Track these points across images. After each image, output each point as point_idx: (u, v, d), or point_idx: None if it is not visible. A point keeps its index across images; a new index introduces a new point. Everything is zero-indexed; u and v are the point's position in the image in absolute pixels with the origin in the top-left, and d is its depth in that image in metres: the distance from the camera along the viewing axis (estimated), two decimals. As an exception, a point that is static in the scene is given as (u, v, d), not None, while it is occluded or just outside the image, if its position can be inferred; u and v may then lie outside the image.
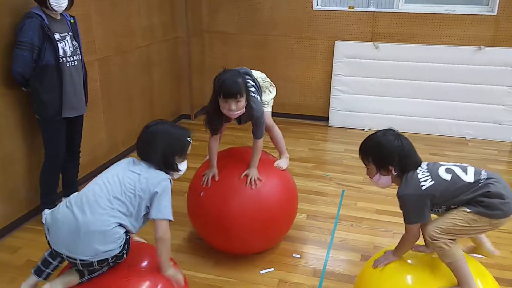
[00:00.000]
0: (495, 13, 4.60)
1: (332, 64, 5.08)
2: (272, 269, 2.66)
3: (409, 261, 1.98)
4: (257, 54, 5.31)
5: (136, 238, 2.16)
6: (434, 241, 1.80)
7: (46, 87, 2.76)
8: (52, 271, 1.97)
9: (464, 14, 4.67)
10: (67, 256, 1.73)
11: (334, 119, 5.21)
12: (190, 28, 5.05)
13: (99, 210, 1.73)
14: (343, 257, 2.79)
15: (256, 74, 2.82)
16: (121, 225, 1.77)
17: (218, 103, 2.40)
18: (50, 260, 1.94)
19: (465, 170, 1.87)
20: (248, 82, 2.56)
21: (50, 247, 1.80)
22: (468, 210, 1.80)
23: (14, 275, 2.57)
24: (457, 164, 1.94)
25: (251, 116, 2.51)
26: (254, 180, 2.51)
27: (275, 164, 2.74)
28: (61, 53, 2.77)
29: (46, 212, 2.97)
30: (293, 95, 5.34)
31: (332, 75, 5.10)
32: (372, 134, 2.00)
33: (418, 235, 1.88)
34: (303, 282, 2.55)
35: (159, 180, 1.84)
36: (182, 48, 5.11)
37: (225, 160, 2.68)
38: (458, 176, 1.84)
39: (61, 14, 2.81)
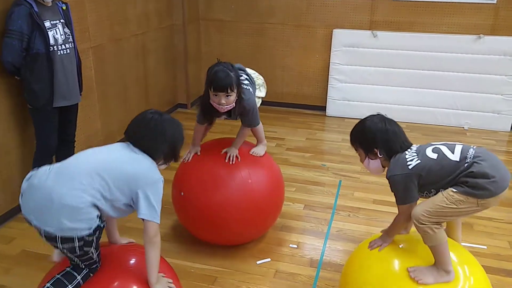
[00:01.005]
0: (494, 2, 4.55)
1: (330, 53, 5.03)
2: (269, 259, 2.64)
3: (400, 246, 1.99)
4: (254, 43, 5.26)
5: (124, 241, 2.06)
6: (421, 225, 1.81)
7: (37, 76, 2.70)
8: None
9: (463, 3, 4.62)
10: (34, 225, 1.65)
11: (332, 108, 5.18)
12: (186, 16, 4.99)
13: (77, 185, 1.63)
14: (340, 247, 2.78)
15: (249, 71, 2.79)
16: (96, 207, 1.66)
17: (209, 95, 2.37)
18: None
19: (452, 149, 1.88)
20: (241, 76, 2.53)
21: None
22: (454, 190, 1.79)
23: (9, 266, 2.55)
24: (447, 143, 1.94)
25: (242, 109, 2.48)
26: (232, 157, 2.51)
27: (251, 151, 2.67)
28: (51, 41, 2.71)
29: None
30: (290, 84, 5.30)
31: (330, 64, 5.05)
32: (359, 121, 2.04)
33: (409, 217, 1.89)
34: (300, 273, 2.54)
35: (154, 179, 1.75)
36: (178, 36, 5.05)
37: (211, 150, 2.65)
38: (444, 155, 1.86)
39: (52, 1, 2.75)
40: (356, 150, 2.07)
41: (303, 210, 3.17)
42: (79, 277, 1.71)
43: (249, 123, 2.60)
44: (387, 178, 1.93)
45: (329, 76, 5.09)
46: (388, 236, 2.01)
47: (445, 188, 1.84)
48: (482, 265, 2.59)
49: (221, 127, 4.12)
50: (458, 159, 1.83)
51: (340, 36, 4.94)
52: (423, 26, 4.76)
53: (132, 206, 1.74)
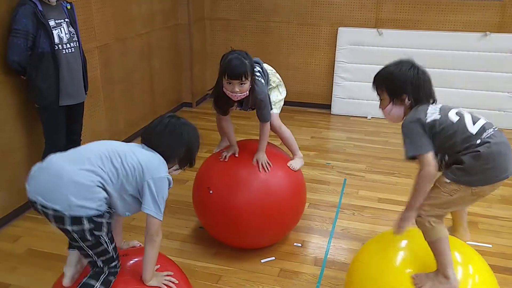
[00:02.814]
0: (501, -1, 4.52)
1: (335, 51, 5.02)
2: (273, 258, 2.65)
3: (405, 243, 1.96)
4: (259, 41, 5.26)
5: (126, 246, 2.06)
6: (419, 218, 1.80)
7: (43, 75, 2.73)
8: None
9: (470, 0, 4.59)
10: (41, 206, 1.62)
11: (337, 107, 5.16)
12: (191, 15, 4.99)
13: (88, 165, 1.64)
14: (344, 246, 2.78)
15: (266, 67, 2.76)
16: (105, 190, 1.66)
17: (222, 83, 2.33)
18: None
19: (475, 120, 1.80)
20: (255, 67, 2.52)
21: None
22: (448, 181, 1.77)
23: (14, 264, 2.57)
24: (472, 113, 1.86)
25: (254, 99, 2.44)
26: (264, 165, 2.48)
27: (289, 163, 2.64)
28: (56, 40, 2.73)
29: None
30: (295, 83, 5.29)
31: (335, 62, 5.04)
32: (387, 64, 1.95)
33: (434, 169, 1.74)
34: (304, 271, 2.54)
35: (162, 175, 1.74)
36: (183, 35, 5.06)
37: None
38: (464, 122, 1.78)
39: (57, 0, 2.77)
40: (378, 94, 1.97)
41: (308, 209, 3.17)
42: (98, 284, 1.67)
43: (264, 117, 2.53)
44: (402, 125, 1.86)
45: (334, 74, 5.08)
46: (411, 210, 1.86)
47: (448, 154, 1.79)
48: (488, 264, 2.58)
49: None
50: (474, 132, 1.76)
51: (345, 34, 4.92)
52: (429, 23, 4.74)
53: (138, 202, 1.73)
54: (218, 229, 2.63)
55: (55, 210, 1.59)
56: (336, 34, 4.97)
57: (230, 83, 2.30)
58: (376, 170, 3.74)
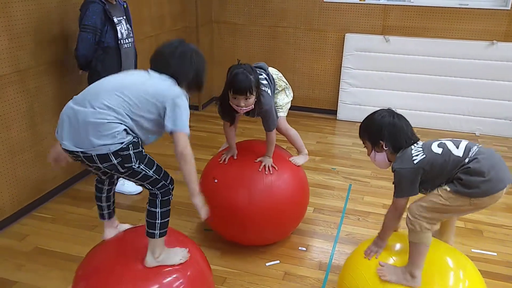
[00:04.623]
0: (508, 8, 4.52)
1: (341, 57, 5.04)
2: (278, 261, 2.66)
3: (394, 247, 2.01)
4: (266, 46, 5.28)
5: (126, 225, 2.17)
6: (413, 218, 1.83)
7: (107, 67, 2.88)
8: (107, 200, 2.03)
9: (477, 8, 4.61)
10: (71, 152, 1.70)
11: (343, 112, 5.18)
12: (199, 18, 5.03)
13: (98, 104, 1.69)
14: (349, 251, 2.78)
15: (272, 71, 2.79)
16: (121, 122, 1.70)
17: (228, 95, 2.39)
18: (99, 185, 2.01)
19: (457, 144, 1.89)
20: (261, 75, 2.54)
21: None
22: (448, 189, 1.81)
23: (21, 262, 2.59)
24: (453, 139, 1.95)
25: (260, 109, 2.49)
26: (269, 167, 2.53)
27: (291, 158, 2.73)
28: (119, 36, 2.94)
29: None
30: (301, 88, 5.31)
31: (342, 68, 5.06)
32: (368, 115, 2.08)
33: (403, 210, 1.91)
34: (309, 275, 2.55)
35: (177, 92, 1.76)
36: (190, 38, 5.09)
37: (239, 152, 2.68)
38: (449, 149, 1.86)
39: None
40: (363, 143, 2.09)
41: (313, 213, 3.18)
42: (158, 209, 1.79)
43: (269, 127, 2.58)
44: (392, 171, 1.93)
45: (341, 80, 5.10)
46: (381, 240, 2.01)
47: (443, 184, 1.84)
48: (492, 272, 2.59)
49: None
50: (461, 155, 1.83)
51: (352, 40, 4.94)
52: (436, 31, 4.75)
53: (160, 125, 1.76)
54: (223, 226, 2.66)
55: (83, 153, 1.68)
56: (343, 40, 4.99)
57: (235, 98, 2.34)
58: (381, 177, 3.74)
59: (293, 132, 2.88)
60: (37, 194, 3.14)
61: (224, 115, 2.60)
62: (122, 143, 1.68)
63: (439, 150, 1.87)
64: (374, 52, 4.89)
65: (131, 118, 1.72)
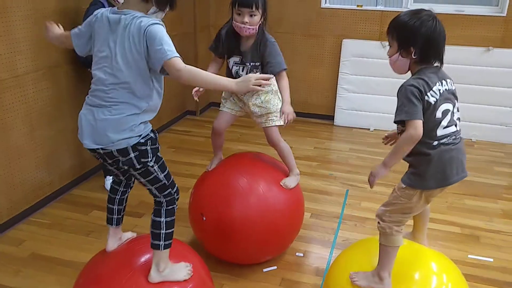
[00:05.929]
0: (504, 14, 4.57)
1: (339, 63, 5.07)
2: (275, 267, 2.65)
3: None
4: (264, 51, 5.29)
5: (128, 234, 2.13)
6: (382, 223, 1.88)
7: None
8: (120, 203, 2.02)
9: (473, 15, 4.64)
10: (91, 150, 1.73)
11: (340, 118, 5.20)
12: (197, 23, 5.05)
13: (106, 97, 1.69)
14: (346, 256, 2.79)
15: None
16: (135, 114, 1.69)
17: (232, 17, 2.29)
18: (115, 186, 2.01)
19: (449, 125, 1.77)
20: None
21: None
22: (404, 186, 1.84)
23: (18, 267, 2.58)
24: (456, 113, 1.83)
25: (264, 46, 2.33)
26: (292, 117, 2.32)
27: (282, 182, 2.50)
28: None
29: (108, 178, 3.41)
30: (299, 93, 5.32)
31: (339, 73, 5.08)
32: (406, 11, 1.83)
33: (417, 134, 1.69)
34: (306, 281, 2.55)
35: (151, 23, 1.71)
36: (188, 43, 5.10)
37: (229, 165, 2.61)
38: (440, 122, 1.76)
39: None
40: (389, 42, 1.86)
41: (310, 219, 3.19)
42: (162, 218, 1.81)
43: (279, 64, 2.36)
44: (399, 87, 1.80)
45: (338, 85, 5.12)
46: (385, 165, 1.83)
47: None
48: (488, 278, 2.60)
49: (229, 135, 4.14)
50: (439, 135, 1.75)
51: (349, 46, 4.97)
52: (432, 37, 4.77)
53: (152, 69, 1.71)
54: (214, 245, 2.57)
55: (103, 149, 1.70)
56: (340, 46, 5.01)
57: (239, 14, 2.26)
58: (378, 182, 3.64)
59: (285, 146, 2.65)
60: (34, 200, 3.13)
61: (218, 44, 2.44)
62: (140, 135, 1.71)
63: (439, 114, 1.75)
64: (372, 58, 4.91)
65: (134, 97, 1.69)
